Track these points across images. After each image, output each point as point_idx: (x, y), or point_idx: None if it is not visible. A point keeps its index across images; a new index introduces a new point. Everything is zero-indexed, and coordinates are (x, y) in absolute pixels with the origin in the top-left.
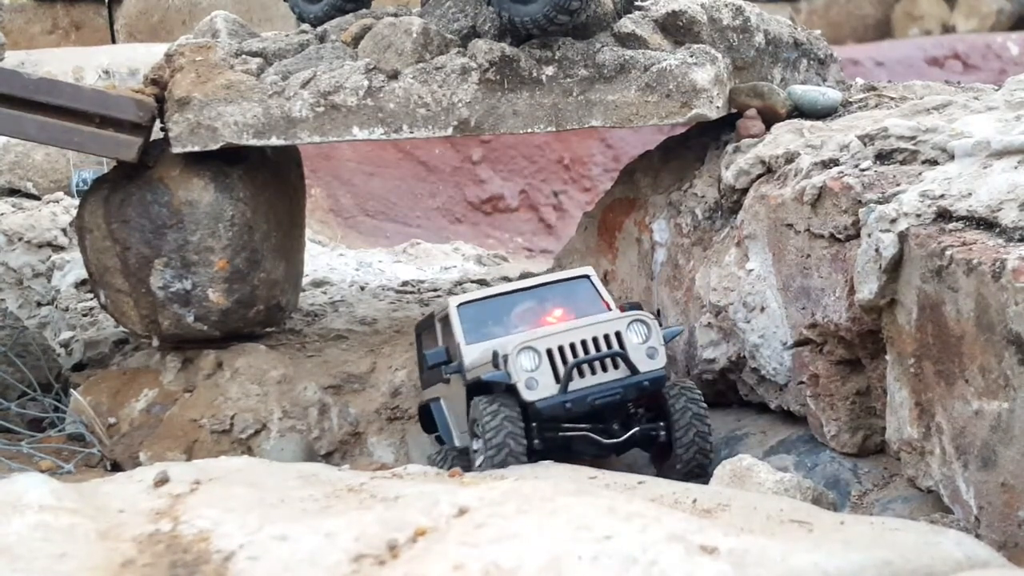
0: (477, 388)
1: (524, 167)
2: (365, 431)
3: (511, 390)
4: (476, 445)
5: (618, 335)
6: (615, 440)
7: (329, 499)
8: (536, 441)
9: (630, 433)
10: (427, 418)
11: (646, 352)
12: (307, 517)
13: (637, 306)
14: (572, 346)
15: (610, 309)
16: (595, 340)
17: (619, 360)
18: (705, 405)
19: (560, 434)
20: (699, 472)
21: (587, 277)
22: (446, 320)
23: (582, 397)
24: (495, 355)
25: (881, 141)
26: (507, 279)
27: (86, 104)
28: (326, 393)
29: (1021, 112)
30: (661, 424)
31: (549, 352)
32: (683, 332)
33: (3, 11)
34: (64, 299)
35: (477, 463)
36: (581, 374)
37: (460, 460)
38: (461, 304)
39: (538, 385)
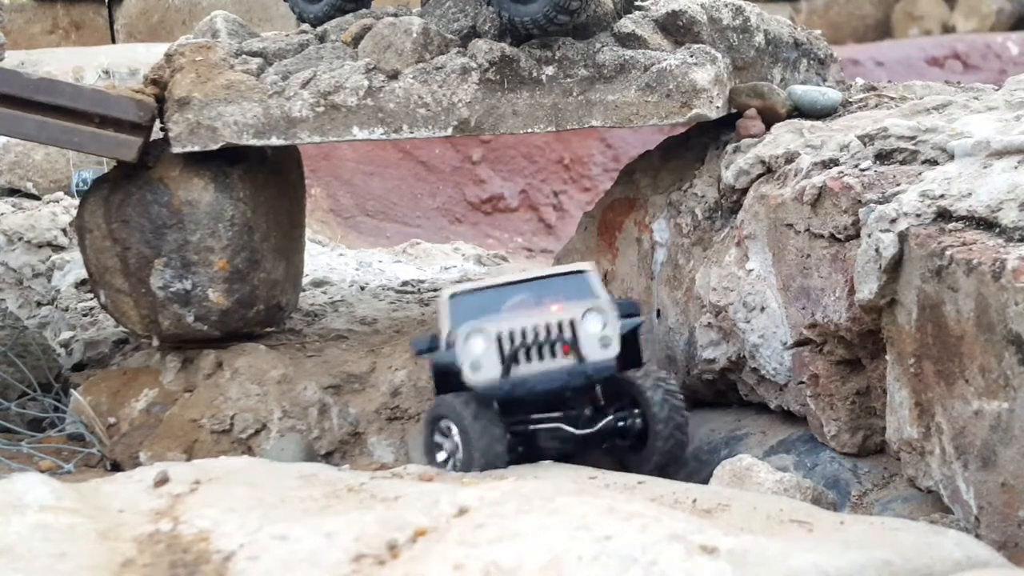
0: (445, 378)
1: (524, 167)
2: (365, 431)
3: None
4: (442, 454)
5: (572, 323)
6: (588, 431)
7: (329, 499)
8: (507, 436)
9: (604, 422)
10: None
11: (600, 341)
12: (307, 517)
13: (632, 303)
14: (523, 332)
15: None
16: (547, 327)
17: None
18: (682, 396)
19: (529, 427)
20: (672, 463)
21: (584, 273)
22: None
23: (522, 382)
24: (447, 338)
25: (881, 141)
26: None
27: (86, 104)
28: (326, 393)
29: (1021, 112)
30: (636, 412)
31: (499, 337)
32: (644, 322)
33: (3, 11)
34: (64, 299)
35: (448, 468)
36: (528, 360)
37: None
38: (453, 295)
39: (482, 368)
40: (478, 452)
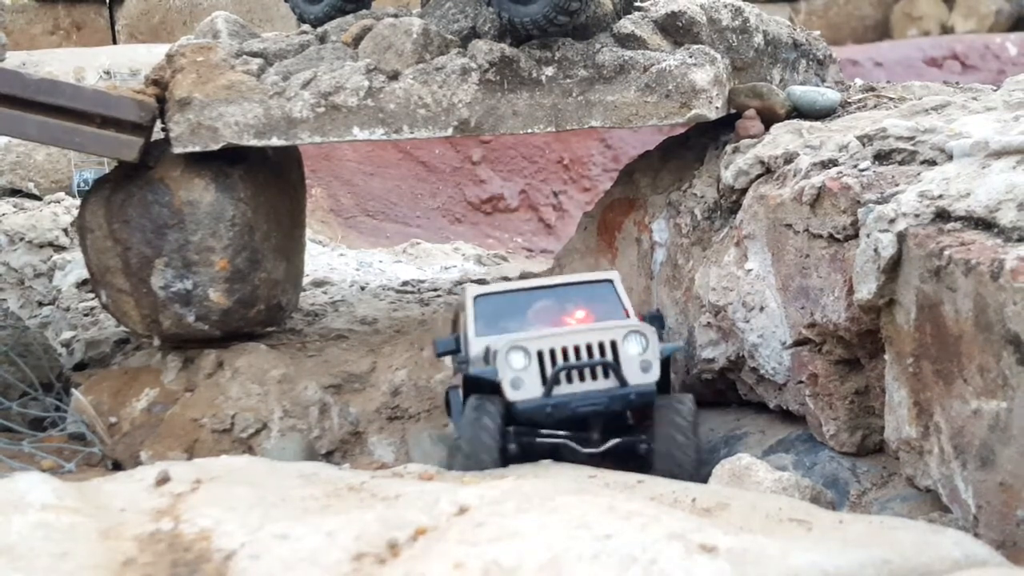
0: (475, 386)
1: (524, 167)
2: (365, 430)
3: (498, 390)
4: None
5: (613, 344)
6: (594, 450)
7: (330, 498)
8: (512, 446)
9: (610, 444)
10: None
11: (640, 365)
12: (308, 516)
13: (659, 317)
14: (564, 351)
15: (629, 316)
16: (588, 347)
17: (610, 370)
18: (694, 424)
19: (538, 440)
20: None
21: (610, 282)
22: (463, 309)
23: (565, 403)
24: (486, 351)
25: (880, 141)
26: (506, 279)
27: (87, 104)
28: (327, 392)
29: (1019, 112)
30: (643, 437)
31: (540, 354)
32: (681, 348)
33: (4, 12)
34: (65, 299)
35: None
36: (569, 380)
37: None
38: (478, 296)
39: (523, 385)
40: (468, 445)
